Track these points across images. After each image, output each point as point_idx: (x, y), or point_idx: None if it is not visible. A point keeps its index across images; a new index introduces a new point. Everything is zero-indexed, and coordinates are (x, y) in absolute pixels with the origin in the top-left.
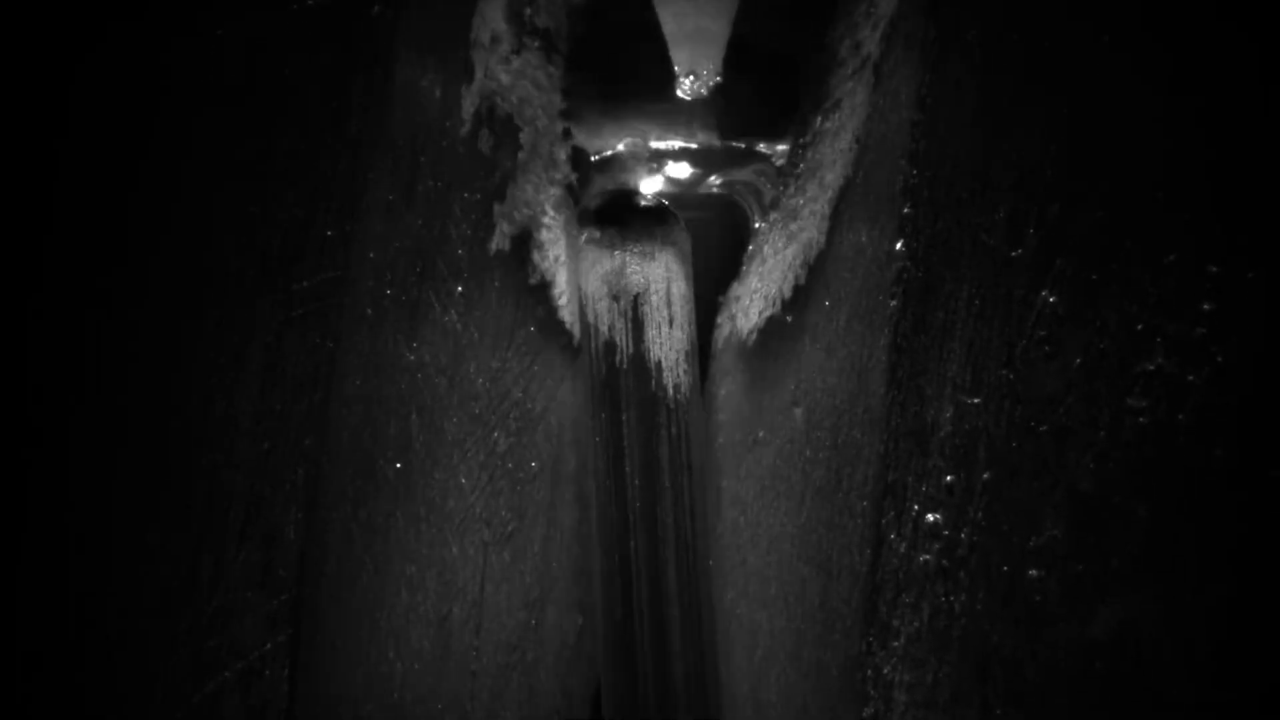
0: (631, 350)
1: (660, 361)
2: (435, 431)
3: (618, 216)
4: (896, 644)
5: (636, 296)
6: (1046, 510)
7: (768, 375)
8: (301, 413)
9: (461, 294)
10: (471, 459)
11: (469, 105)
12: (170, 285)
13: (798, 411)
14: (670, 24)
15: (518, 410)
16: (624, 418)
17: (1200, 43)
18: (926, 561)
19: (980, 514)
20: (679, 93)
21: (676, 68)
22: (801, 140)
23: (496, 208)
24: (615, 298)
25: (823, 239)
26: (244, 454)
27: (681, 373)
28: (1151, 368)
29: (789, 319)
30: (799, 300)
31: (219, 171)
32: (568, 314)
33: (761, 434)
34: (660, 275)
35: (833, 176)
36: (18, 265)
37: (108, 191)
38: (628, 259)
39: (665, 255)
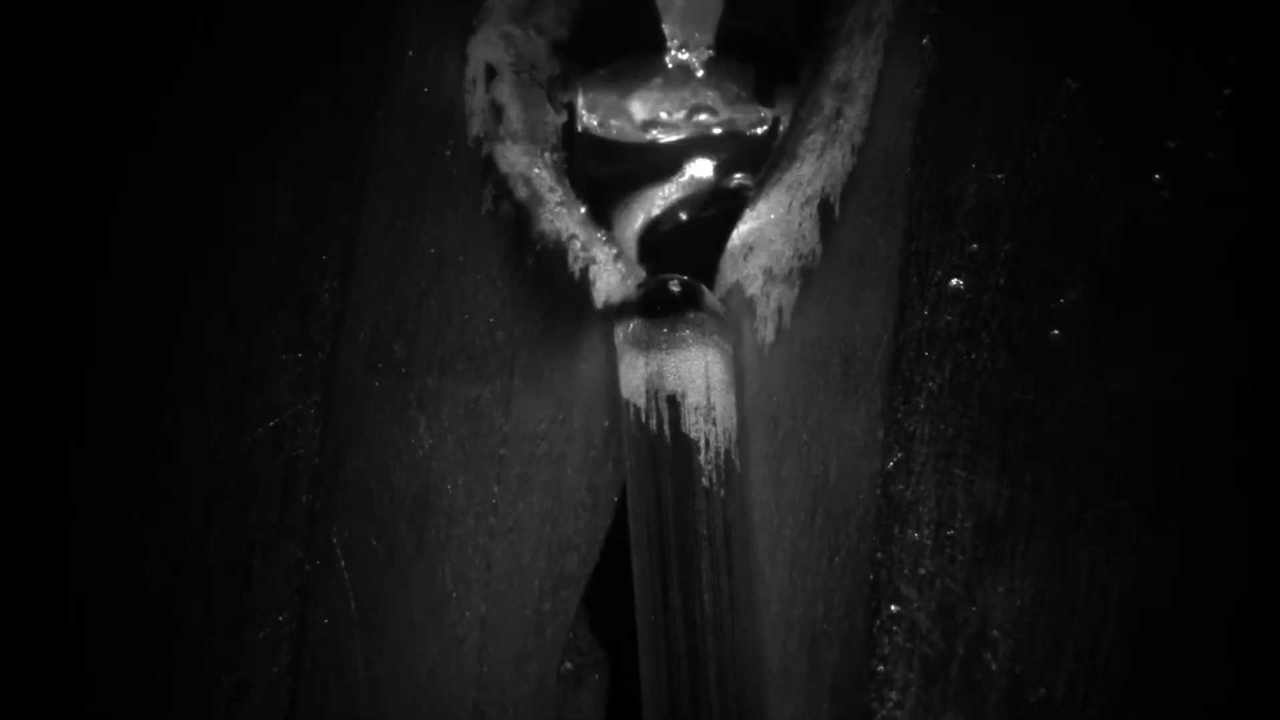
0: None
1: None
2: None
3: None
4: (918, 399)
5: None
6: (1067, 277)
7: None
8: (340, 192)
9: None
10: None
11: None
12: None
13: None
14: None
15: None
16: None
17: None
18: (949, 322)
19: (1002, 279)
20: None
21: (669, 39)
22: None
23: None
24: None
25: None
26: (281, 230)
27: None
28: (1173, 145)
29: None
30: None
31: None
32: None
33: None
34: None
35: None
36: None
37: None
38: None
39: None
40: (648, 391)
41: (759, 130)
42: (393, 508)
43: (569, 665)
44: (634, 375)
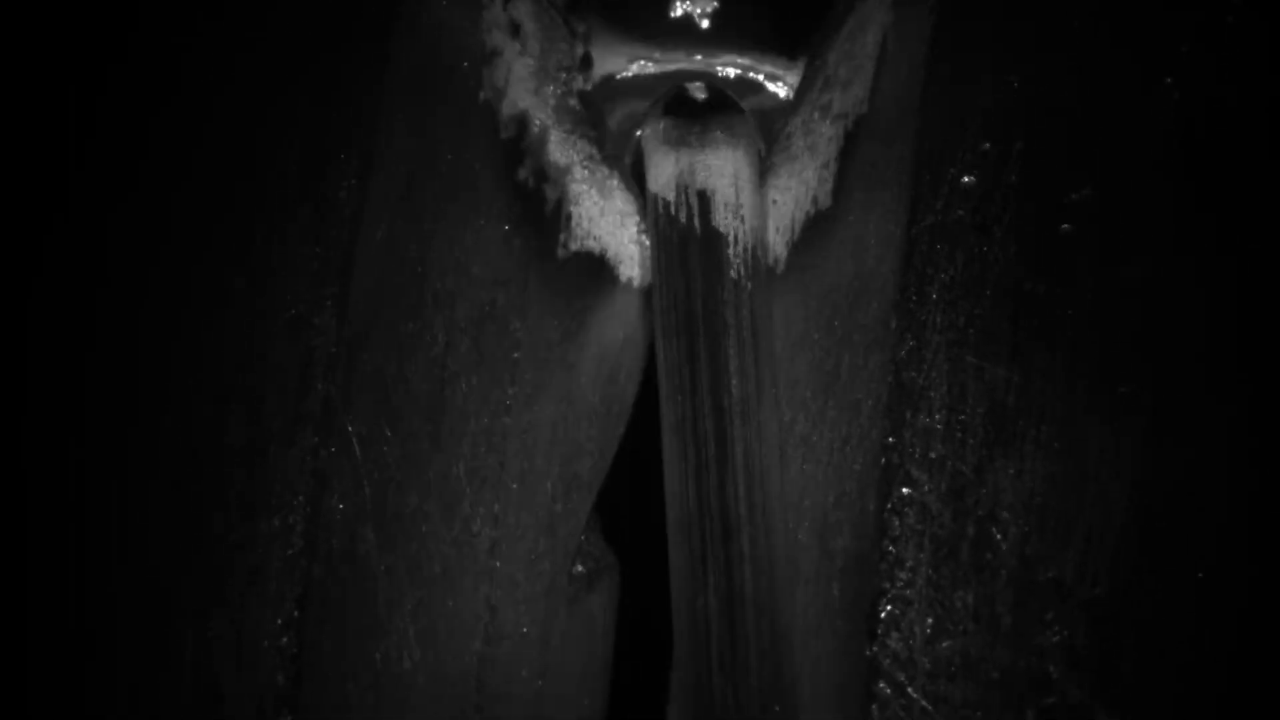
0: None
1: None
2: None
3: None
4: (930, 289)
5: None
6: (1080, 175)
7: None
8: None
9: None
10: None
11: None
12: None
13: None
14: None
15: None
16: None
17: None
18: (961, 217)
19: (1014, 177)
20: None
21: None
22: None
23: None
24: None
25: None
26: (303, 125)
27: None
28: (1185, 49)
29: None
30: None
31: None
32: None
33: None
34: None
35: None
36: None
37: None
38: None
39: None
40: (678, 187)
41: (777, 82)
42: (408, 401)
43: (580, 568)
44: (662, 173)
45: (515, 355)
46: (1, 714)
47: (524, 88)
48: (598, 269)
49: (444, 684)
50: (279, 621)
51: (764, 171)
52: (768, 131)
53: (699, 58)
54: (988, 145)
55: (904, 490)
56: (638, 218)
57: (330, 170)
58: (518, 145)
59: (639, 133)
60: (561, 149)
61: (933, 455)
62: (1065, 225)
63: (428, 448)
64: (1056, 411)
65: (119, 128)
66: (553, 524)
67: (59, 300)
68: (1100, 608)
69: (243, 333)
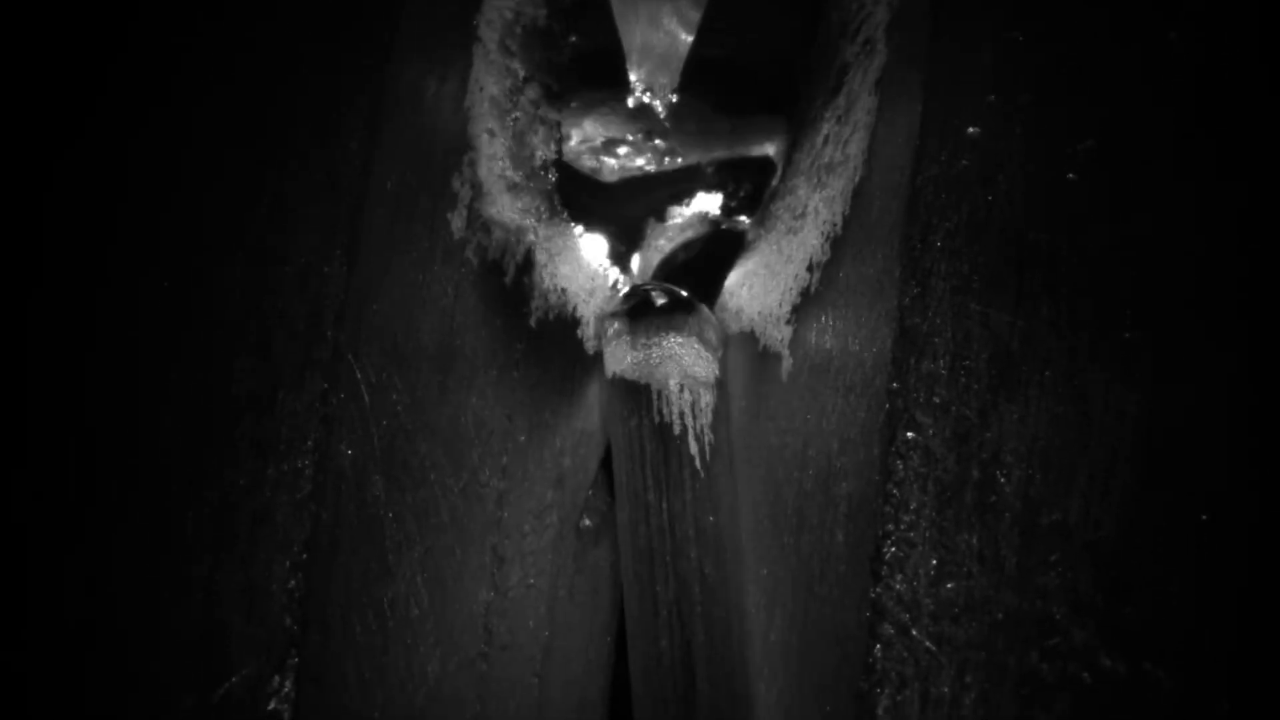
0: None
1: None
2: None
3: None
4: (935, 238)
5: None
6: (1084, 123)
7: None
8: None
9: None
10: None
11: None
12: None
13: None
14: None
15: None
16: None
17: None
18: (966, 166)
19: (1019, 128)
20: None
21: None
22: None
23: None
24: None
25: None
26: (315, 89)
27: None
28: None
29: None
30: None
31: None
32: None
33: None
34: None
35: None
36: None
37: None
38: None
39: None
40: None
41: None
42: (417, 351)
43: (588, 522)
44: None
45: (524, 309)
46: (6, 648)
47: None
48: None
49: (451, 630)
50: (287, 564)
51: None
52: None
53: None
54: (993, 98)
55: (908, 435)
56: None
57: (342, 119)
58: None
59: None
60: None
61: (937, 400)
62: (1070, 175)
63: (437, 396)
64: (1060, 356)
65: (138, 72)
66: (561, 476)
67: (71, 243)
68: (1104, 550)
69: (253, 279)
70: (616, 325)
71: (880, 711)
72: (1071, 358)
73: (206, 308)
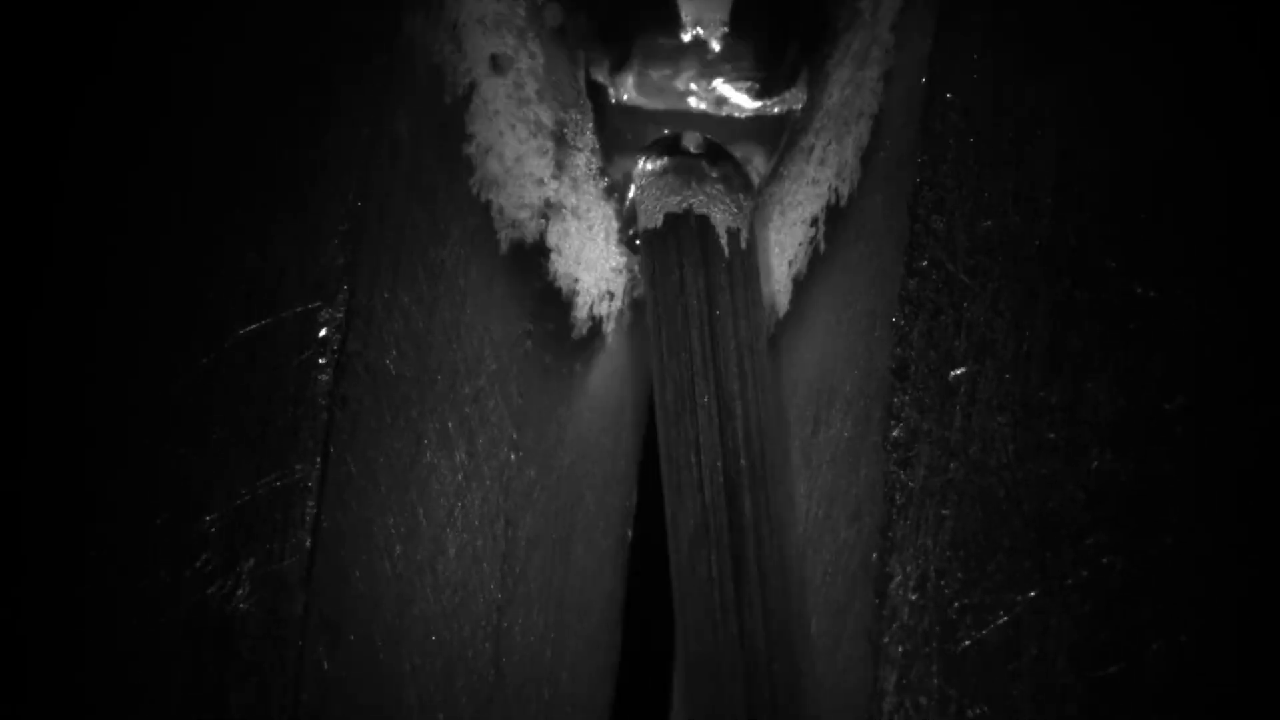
0: None
1: None
2: None
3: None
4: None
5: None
6: None
7: None
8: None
9: None
10: None
11: None
12: None
13: None
14: None
15: None
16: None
17: None
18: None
19: None
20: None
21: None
22: None
23: None
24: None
25: None
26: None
27: None
28: None
29: None
30: None
31: None
32: None
33: None
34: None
35: None
36: None
37: None
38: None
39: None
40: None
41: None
42: (432, 325)
43: None
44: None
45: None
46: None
47: None
48: None
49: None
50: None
51: None
52: None
53: None
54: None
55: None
56: None
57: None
58: None
59: None
60: None
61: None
62: None
63: (445, 379)
64: None
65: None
66: None
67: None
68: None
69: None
70: (652, 165)
71: (915, 336)
72: None
73: (210, 274)
